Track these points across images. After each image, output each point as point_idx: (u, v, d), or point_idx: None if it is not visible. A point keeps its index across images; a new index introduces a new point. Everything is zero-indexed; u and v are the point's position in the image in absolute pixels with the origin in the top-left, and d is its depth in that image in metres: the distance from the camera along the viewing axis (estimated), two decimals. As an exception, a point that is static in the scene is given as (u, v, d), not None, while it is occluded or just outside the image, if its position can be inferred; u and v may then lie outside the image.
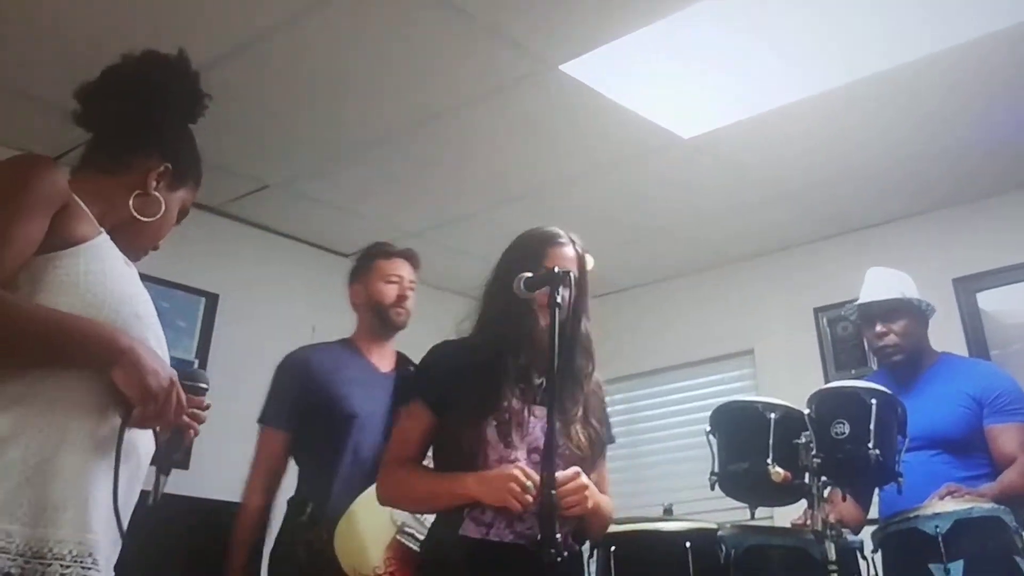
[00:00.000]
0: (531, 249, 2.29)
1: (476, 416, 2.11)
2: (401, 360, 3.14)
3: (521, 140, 4.18)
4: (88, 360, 1.52)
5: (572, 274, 2.11)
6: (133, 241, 1.76)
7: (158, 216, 1.77)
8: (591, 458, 2.20)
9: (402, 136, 4.12)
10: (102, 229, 1.65)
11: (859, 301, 3.38)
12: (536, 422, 2.14)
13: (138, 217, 1.73)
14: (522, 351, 2.20)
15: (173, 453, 1.70)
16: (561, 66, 3.59)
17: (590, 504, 2.08)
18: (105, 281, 1.58)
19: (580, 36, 3.42)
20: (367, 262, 3.16)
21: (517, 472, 2.00)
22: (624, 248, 5.33)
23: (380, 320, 3.08)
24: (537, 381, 2.20)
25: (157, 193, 1.77)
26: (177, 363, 1.77)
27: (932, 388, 3.22)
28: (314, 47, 3.47)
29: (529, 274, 2.16)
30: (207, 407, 1.73)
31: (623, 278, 5.76)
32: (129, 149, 1.77)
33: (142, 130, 1.79)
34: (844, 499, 2.99)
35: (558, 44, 3.47)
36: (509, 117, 3.97)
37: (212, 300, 4.69)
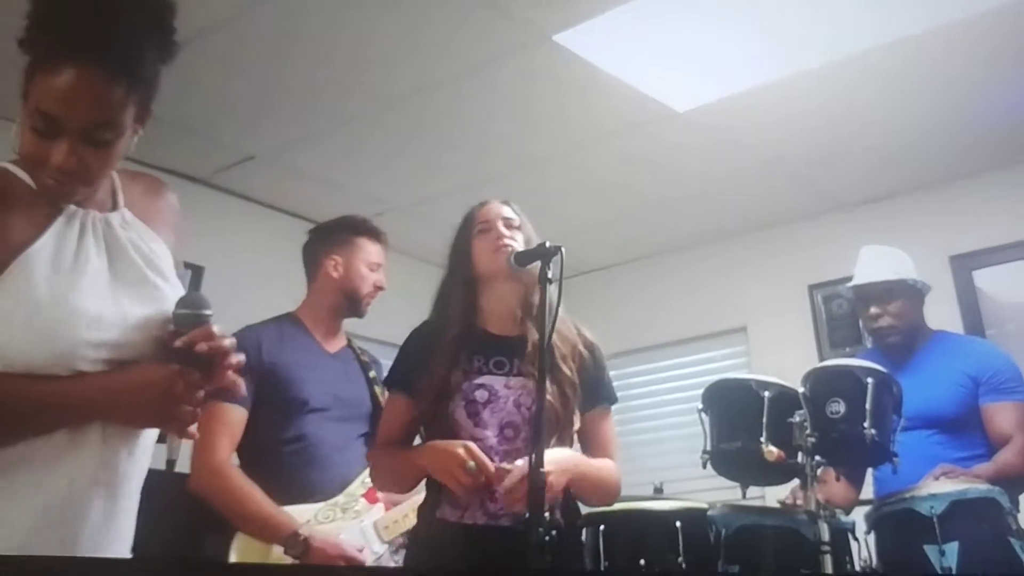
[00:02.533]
0: (467, 217, 2.32)
1: (441, 398, 2.09)
2: (349, 340, 2.96)
3: (513, 112, 4.12)
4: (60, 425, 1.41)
5: (563, 249, 2.05)
6: (48, 185, 1.45)
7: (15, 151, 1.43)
8: (567, 415, 2.15)
9: (391, 107, 4.06)
10: (65, 210, 1.48)
11: (854, 281, 3.33)
12: (510, 395, 2.11)
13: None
14: (485, 323, 2.20)
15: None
16: (554, 36, 3.53)
17: (557, 489, 1.97)
18: (29, 303, 1.38)
19: (574, 6, 3.35)
20: (351, 235, 2.91)
21: (460, 451, 1.96)
22: (616, 223, 5.28)
23: (349, 305, 2.86)
24: (509, 353, 2.17)
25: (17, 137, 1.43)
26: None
27: (927, 367, 3.18)
28: (301, 17, 3.40)
29: (519, 248, 2.14)
30: (216, 341, 1.47)
31: (614, 253, 5.72)
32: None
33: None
34: (838, 479, 2.95)
35: (551, 14, 3.40)
36: (501, 88, 3.90)
37: (197, 272, 4.62)
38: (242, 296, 4.66)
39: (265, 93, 3.95)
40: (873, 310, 3.25)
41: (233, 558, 2.50)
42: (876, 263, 3.30)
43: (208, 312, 1.50)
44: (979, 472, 2.84)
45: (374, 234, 2.93)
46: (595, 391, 2.25)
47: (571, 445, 2.21)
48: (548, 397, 2.07)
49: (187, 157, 4.51)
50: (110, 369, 1.44)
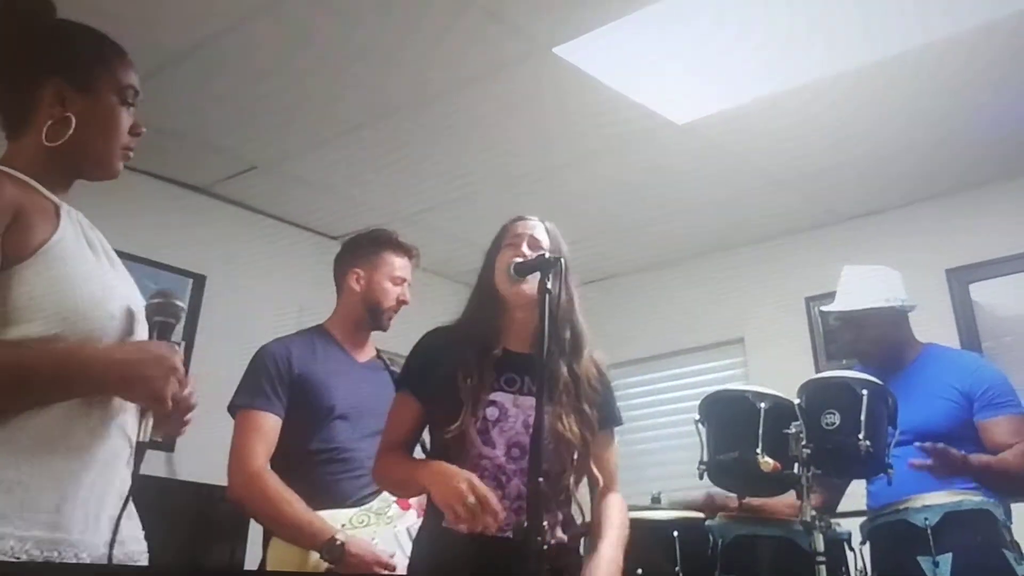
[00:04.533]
0: (502, 229, 2.27)
1: (456, 414, 2.05)
2: (378, 351, 2.97)
3: (514, 123, 4.14)
4: (71, 396, 1.46)
5: (563, 259, 2.07)
6: (85, 167, 1.62)
7: (70, 131, 1.56)
8: (586, 446, 2.13)
9: (393, 118, 4.08)
10: (61, 206, 1.56)
11: (831, 307, 3.31)
12: (519, 414, 2.08)
13: (51, 145, 1.55)
14: (504, 341, 2.16)
15: None
16: (555, 49, 3.55)
17: None
18: (67, 289, 1.47)
19: (574, 18, 3.38)
20: (375, 249, 2.89)
21: (463, 485, 1.91)
22: (615, 234, 5.30)
23: (371, 318, 2.85)
24: (522, 370, 2.14)
25: (68, 113, 1.56)
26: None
27: (918, 382, 3.14)
28: (304, 26, 3.42)
29: (519, 259, 2.13)
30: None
31: (613, 265, 5.73)
32: (13, 99, 1.60)
33: (4, 71, 1.60)
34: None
35: (552, 26, 3.43)
36: (502, 100, 3.93)
37: (199, 281, 4.65)
38: (244, 304, 4.70)
39: (267, 103, 3.97)
40: (849, 337, 3.25)
41: (269, 564, 2.51)
42: (853, 289, 3.25)
43: (180, 304, 1.59)
44: (976, 460, 2.77)
45: (399, 248, 2.90)
46: (606, 413, 2.23)
47: (589, 472, 2.19)
48: (571, 422, 2.08)
49: (189, 166, 4.54)
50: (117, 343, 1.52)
